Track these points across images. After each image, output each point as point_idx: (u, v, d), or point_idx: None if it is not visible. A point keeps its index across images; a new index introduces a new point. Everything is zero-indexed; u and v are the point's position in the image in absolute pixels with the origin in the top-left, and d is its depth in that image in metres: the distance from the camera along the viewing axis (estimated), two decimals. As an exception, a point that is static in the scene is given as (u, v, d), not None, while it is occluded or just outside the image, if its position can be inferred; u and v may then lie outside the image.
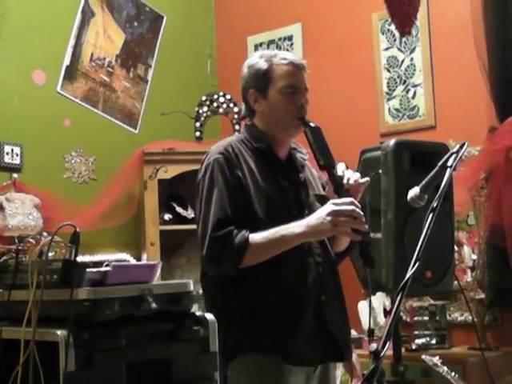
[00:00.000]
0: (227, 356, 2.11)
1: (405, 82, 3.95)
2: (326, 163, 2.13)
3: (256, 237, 2.09)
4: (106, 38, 4.24)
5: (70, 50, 4.07)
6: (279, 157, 2.29)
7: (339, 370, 3.27)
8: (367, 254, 2.05)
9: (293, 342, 2.13)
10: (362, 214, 2.04)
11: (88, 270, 1.70)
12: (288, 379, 2.14)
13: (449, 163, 1.90)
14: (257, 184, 2.18)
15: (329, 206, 2.06)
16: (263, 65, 2.25)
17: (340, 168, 2.18)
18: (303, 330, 2.15)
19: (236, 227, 2.10)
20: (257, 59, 2.28)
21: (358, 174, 2.19)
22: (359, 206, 2.07)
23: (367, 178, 2.21)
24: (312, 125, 2.19)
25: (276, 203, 2.19)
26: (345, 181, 2.14)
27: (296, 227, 2.09)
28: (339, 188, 2.11)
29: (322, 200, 2.23)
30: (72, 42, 4.08)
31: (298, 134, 2.28)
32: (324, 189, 2.38)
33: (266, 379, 2.14)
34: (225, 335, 2.06)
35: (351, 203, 2.04)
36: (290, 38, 4.43)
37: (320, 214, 2.06)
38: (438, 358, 2.76)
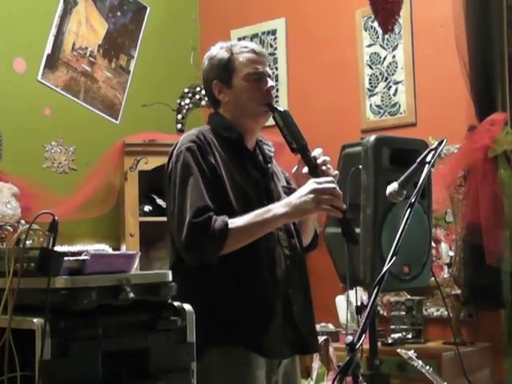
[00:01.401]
0: (196, 349, 2.10)
1: (386, 78, 3.97)
2: (300, 145, 2.13)
3: (237, 221, 2.07)
4: (88, 28, 4.22)
5: (51, 39, 4.04)
6: (248, 147, 2.27)
7: (316, 363, 3.30)
8: (350, 231, 2.07)
9: (264, 335, 2.13)
10: (341, 192, 2.06)
11: (66, 258, 1.70)
12: (256, 372, 2.14)
13: (427, 159, 1.92)
14: (230, 174, 2.16)
15: (311, 185, 2.06)
16: (224, 55, 2.25)
17: (316, 151, 2.16)
18: (273, 323, 2.15)
19: (215, 213, 2.08)
20: (217, 50, 2.28)
21: (331, 166, 2.17)
22: (338, 187, 2.08)
23: (336, 172, 2.19)
24: (280, 109, 2.18)
25: (248, 194, 2.18)
26: (320, 161, 2.13)
27: (278, 208, 2.08)
28: (315, 168, 2.11)
29: (290, 193, 2.22)
30: (54, 30, 4.05)
31: (266, 121, 2.26)
32: (288, 183, 2.37)
33: (235, 372, 2.14)
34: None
35: (332, 181, 2.06)
36: (273, 33, 4.43)
37: (302, 193, 2.06)
38: (413, 351, 2.79)
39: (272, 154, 2.35)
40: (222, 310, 2.14)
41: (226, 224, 2.06)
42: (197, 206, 2.07)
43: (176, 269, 2.15)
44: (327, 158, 2.17)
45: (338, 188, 2.06)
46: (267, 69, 2.25)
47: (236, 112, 2.24)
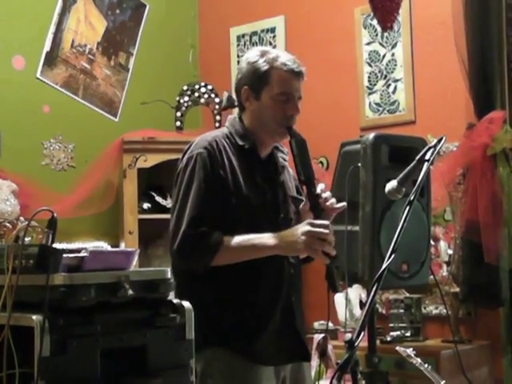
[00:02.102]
0: (197, 346, 2.11)
1: (386, 76, 3.97)
2: (307, 179, 2.14)
3: (229, 241, 2.10)
4: (87, 25, 4.21)
5: (50, 36, 4.04)
6: (261, 156, 2.28)
7: (315, 361, 3.30)
8: (332, 278, 2.07)
9: (257, 340, 2.15)
10: (333, 239, 2.07)
11: (64, 255, 1.70)
12: (259, 371, 2.15)
13: (426, 157, 1.92)
14: (237, 183, 2.18)
15: (305, 227, 2.07)
16: (263, 66, 2.21)
17: (319, 187, 2.17)
18: (269, 330, 2.17)
19: (210, 227, 2.10)
20: (257, 57, 2.24)
21: (333, 200, 2.19)
22: (332, 230, 2.08)
23: (343, 204, 2.20)
24: (298, 137, 2.18)
25: (253, 204, 2.19)
26: (321, 200, 2.14)
27: (270, 239, 2.10)
28: (316, 206, 2.12)
29: (297, 202, 2.25)
30: (53, 28, 4.05)
31: (282, 140, 2.29)
32: (298, 190, 2.38)
33: (237, 371, 2.15)
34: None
35: (327, 227, 2.06)
36: (272, 30, 4.43)
37: (295, 233, 2.08)
38: (411, 349, 2.79)
39: (285, 163, 2.36)
40: (219, 313, 2.16)
41: (219, 243, 2.09)
42: (193, 215, 2.10)
43: (176, 268, 2.18)
44: (328, 195, 2.17)
45: (331, 234, 2.06)
46: (299, 92, 2.24)
47: (256, 124, 2.25)
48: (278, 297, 2.19)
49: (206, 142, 2.20)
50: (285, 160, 2.36)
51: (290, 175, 2.40)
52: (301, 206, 2.24)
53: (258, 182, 2.23)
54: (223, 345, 2.15)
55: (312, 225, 2.06)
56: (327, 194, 2.17)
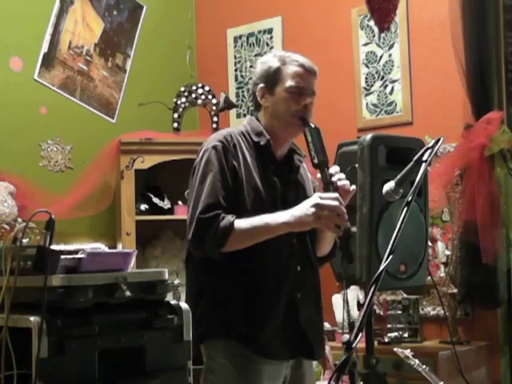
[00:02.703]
0: (200, 337, 2.15)
1: (383, 77, 3.97)
2: (320, 161, 2.16)
3: (241, 222, 2.13)
4: (84, 27, 4.21)
5: (47, 38, 4.04)
6: (276, 155, 2.33)
7: (313, 362, 3.29)
8: (346, 249, 2.08)
9: (260, 335, 2.17)
10: (345, 210, 2.08)
11: (62, 256, 1.70)
12: (262, 367, 2.17)
13: (424, 158, 1.92)
14: (249, 176, 2.23)
15: (314, 199, 2.09)
16: (275, 63, 2.31)
17: (333, 168, 2.20)
18: (273, 325, 2.19)
19: (223, 212, 2.14)
20: (270, 57, 2.35)
21: (347, 181, 2.20)
22: (343, 203, 2.10)
23: (354, 187, 2.22)
24: (312, 125, 2.23)
25: (263, 197, 2.23)
26: (334, 178, 2.16)
27: (280, 216, 2.13)
28: (328, 184, 2.14)
29: None
30: (50, 29, 4.05)
31: (298, 134, 2.32)
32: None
33: (240, 367, 2.17)
34: (199, 318, 2.12)
35: (336, 199, 2.07)
36: (269, 31, 4.43)
37: (304, 205, 2.10)
38: (409, 350, 2.79)
39: (302, 165, 2.40)
40: (224, 304, 2.19)
41: (231, 223, 2.12)
42: (208, 202, 2.16)
43: (189, 259, 2.26)
44: (342, 176, 2.19)
45: (341, 206, 2.07)
46: (312, 86, 2.33)
47: (271, 119, 2.31)
48: (279, 292, 2.21)
49: (221, 135, 2.28)
50: (301, 162, 2.40)
51: (307, 178, 2.43)
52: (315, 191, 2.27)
53: (270, 177, 2.28)
54: (228, 337, 2.17)
55: (321, 197, 2.09)
56: (341, 175, 2.20)
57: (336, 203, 2.06)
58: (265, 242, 2.16)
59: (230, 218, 2.13)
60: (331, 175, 2.16)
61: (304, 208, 2.09)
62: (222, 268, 2.18)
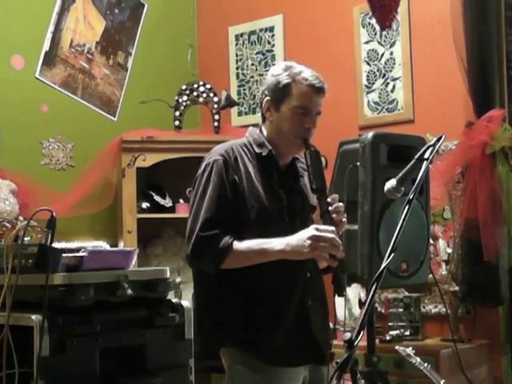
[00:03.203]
0: (213, 346, 2.16)
1: (384, 75, 3.97)
2: (318, 188, 2.18)
3: (239, 245, 2.16)
4: (86, 25, 4.21)
5: (49, 36, 4.03)
6: (279, 165, 2.34)
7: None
8: (339, 283, 2.10)
9: (269, 342, 2.18)
10: (340, 242, 2.10)
11: (64, 254, 1.70)
12: (276, 372, 2.18)
13: (425, 156, 1.92)
14: (252, 189, 2.24)
15: (311, 231, 2.11)
16: (285, 79, 2.29)
17: (332, 197, 2.21)
18: (282, 332, 2.20)
19: (223, 230, 2.16)
20: (281, 70, 2.32)
21: (344, 215, 2.22)
22: (339, 235, 2.12)
23: (344, 219, 2.23)
24: (312, 149, 2.24)
25: (268, 208, 2.24)
26: (331, 208, 2.17)
27: (277, 243, 2.15)
28: (325, 214, 2.15)
29: (315, 210, 2.27)
30: (52, 27, 4.04)
31: (298, 152, 2.34)
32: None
33: (260, 369, 2.18)
34: (208, 327, 2.13)
35: (332, 232, 2.09)
36: (271, 29, 4.43)
37: (301, 237, 2.12)
38: (411, 348, 2.79)
39: (304, 173, 2.39)
40: (234, 312, 2.20)
41: (229, 246, 2.15)
42: (207, 218, 2.18)
43: (193, 270, 2.26)
44: (340, 205, 2.21)
45: (336, 237, 2.09)
46: (318, 107, 2.32)
47: (274, 134, 2.32)
48: (290, 300, 2.23)
49: (222, 149, 2.29)
50: (304, 170, 2.39)
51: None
52: (314, 215, 2.28)
53: (275, 188, 2.29)
54: (238, 346, 2.19)
55: (317, 229, 2.11)
56: (339, 205, 2.21)
57: (332, 235, 2.09)
58: None
59: (228, 239, 2.15)
60: (328, 204, 2.17)
61: (301, 239, 2.11)
62: (233, 277, 2.19)
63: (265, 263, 2.17)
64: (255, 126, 2.41)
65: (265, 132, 2.35)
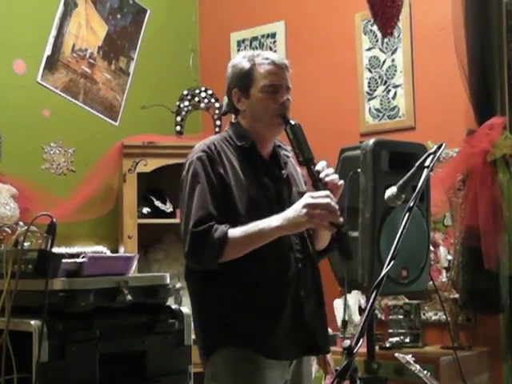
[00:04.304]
0: (206, 350, 2.14)
1: (386, 82, 3.97)
2: (305, 158, 2.17)
3: (235, 231, 2.12)
4: (88, 30, 4.22)
5: (51, 41, 4.04)
6: (262, 155, 2.31)
7: (313, 367, 3.29)
8: (344, 245, 2.08)
9: (270, 336, 2.17)
10: (337, 206, 2.08)
11: (63, 260, 1.70)
12: (264, 373, 2.17)
13: (426, 163, 1.92)
14: (238, 181, 2.21)
15: (305, 199, 2.09)
16: (246, 65, 2.28)
17: (320, 164, 2.20)
18: (281, 325, 2.19)
19: (216, 222, 2.13)
20: (240, 59, 2.31)
21: (336, 176, 2.20)
22: (334, 199, 2.10)
23: (342, 181, 2.22)
24: (292, 122, 2.22)
25: (257, 199, 2.22)
26: (322, 175, 2.16)
27: (274, 220, 2.12)
28: (316, 182, 2.14)
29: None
30: (54, 32, 4.05)
31: (280, 132, 2.31)
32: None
33: (243, 373, 2.16)
34: (204, 330, 2.10)
35: (327, 196, 2.07)
36: (273, 36, 4.43)
37: (296, 207, 2.10)
38: (411, 356, 2.79)
39: (289, 160, 2.39)
40: (230, 312, 2.18)
41: (225, 234, 2.11)
42: (199, 215, 2.15)
43: (189, 270, 2.22)
44: (329, 171, 2.19)
45: (333, 202, 2.07)
46: (286, 81, 2.29)
47: (251, 121, 2.30)
48: (286, 292, 2.21)
49: (204, 145, 2.27)
50: (288, 157, 2.38)
51: (296, 171, 2.42)
52: (304, 188, 2.25)
53: (261, 178, 2.27)
54: (234, 343, 2.16)
55: (311, 196, 2.09)
56: (329, 170, 2.19)
57: (327, 200, 2.06)
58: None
59: (223, 228, 2.12)
60: (318, 172, 2.16)
61: (296, 209, 2.09)
62: (224, 274, 2.17)
63: (255, 258, 2.14)
64: (232, 123, 2.37)
65: (243, 123, 2.31)
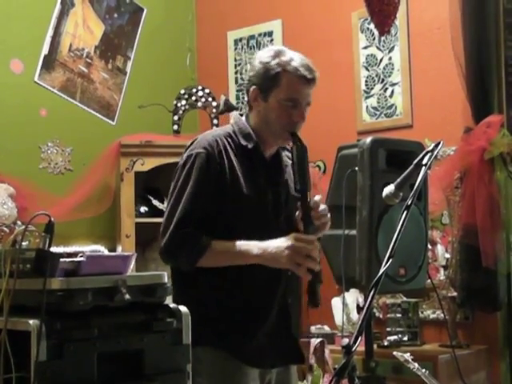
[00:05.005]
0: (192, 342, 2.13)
1: (383, 80, 3.97)
2: (302, 189, 2.12)
3: (216, 244, 2.11)
4: (85, 29, 4.21)
5: (48, 40, 4.04)
6: (265, 156, 2.26)
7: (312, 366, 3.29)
8: (314, 293, 2.07)
9: (250, 342, 2.16)
10: (318, 254, 2.06)
11: (61, 259, 1.70)
12: (241, 378, 2.16)
13: (424, 162, 1.92)
14: (235, 183, 2.17)
15: (290, 240, 2.06)
16: (274, 68, 2.17)
17: (316, 198, 2.16)
18: (264, 331, 2.18)
19: (198, 228, 2.11)
20: (270, 58, 2.19)
21: (327, 217, 2.18)
22: (318, 245, 2.08)
23: (329, 223, 2.20)
24: (299, 144, 2.14)
25: (252, 203, 2.18)
26: (313, 213, 2.12)
27: (255, 248, 2.10)
28: (306, 217, 2.11)
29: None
30: (51, 31, 4.05)
31: (285, 144, 2.27)
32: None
33: (226, 370, 2.15)
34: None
35: (312, 242, 2.06)
36: (270, 34, 4.43)
37: (280, 245, 2.07)
38: (409, 354, 2.79)
39: (289, 163, 2.32)
40: (213, 313, 2.17)
41: (206, 246, 2.10)
42: (183, 216, 2.12)
43: (176, 268, 2.22)
44: (322, 209, 2.16)
45: (316, 251, 2.06)
46: (307, 98, 2.21)
47: (261, 125, 2.23)
48: (273, 299, 2.19)
49: (206, 141, 2.19)
50: (289, 158, 2.32)
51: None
52: (296, 214, 2.19)
53: (260, 182, 2.22)
54: (218, 345, 2.15)
55: (297, 239, 2.06)
56: (322, 207, 2.16)
57: (311, 247, 2.05)
58: (251, 240, 2.12)
59: (204, 239, 2.10)
60: (310, 208, 2.11)
61: (279, 247, 2.06)
62: (212, 274, 2.15)
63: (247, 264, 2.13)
64: (241, 114, 2.32)
65: (251, 121, 2.25)
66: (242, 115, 2.33)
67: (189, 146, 2.23)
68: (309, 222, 2.10)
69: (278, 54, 2.21)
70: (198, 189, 2.13)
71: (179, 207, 2.12)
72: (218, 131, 2.29)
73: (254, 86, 2.21)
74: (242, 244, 2.10)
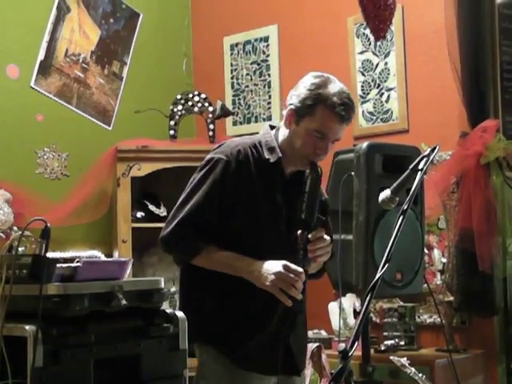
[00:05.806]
0: (193, 340, 2.15)
1: (379, 85, 3.98)
2: (306, 222, 2.13)
3: (211, 251, 2.17)
4: (81, 34, 4.21)
5: (44, 45, 4.04)
6: (285, 172, 2.29)
7: (309, 370, 3.29)
8: (292, 319, 2.14)
9: (247, 346, 2.17)
10: (302, 286, 2.09)
11: (58, 265, 1.70)
12: (245, 376, 2.17)
13: (420, 166, 1.92)
14: (251, 196, 2.20)
15: (279, 267, 2.09)
16: (314, 98, 2.20)
17: (318, 233, 2.15)
18: (262, 337, 2.19)
19: (200, 230, 2.17)
20: (314, 86, 2.22)
21: (324, 256, 2.19)
22: (305, 279, 2.10)
23: (323, 260, 2.22)
24: (314, 175, 2.16)
25: (264, 217, 2.21)
26: (311, 247, 2.12)
27: (247, 265, 2.15)
28: (299, 250, 2.11)
29: (317, 221, 2.23)
30: (47, 37, 4.05)
31: (304, 169, 2.26)
32: (322, 209, 2.29)
33: (225, 374, 2.16)
34: (192, 322, 2.11)
35: (300, 274, 2.08)
36: (266, 39, 4.44)
37: (268, 268, 2.11)
38: (405, 359, 2.79)
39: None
40: (216, 315, 2.18)
41: (199, 249, 2.16)
42: (190, 213, 2.17)
43: (184, 267, 2.26)
44: (320, 245, 2.16)
45: (301, 282, 2.08)
46: (337, 135, 2.24)
47: (286, 144, 2.27)
48: (275, 306, 2.20)
49: (230, 148, 2.24)
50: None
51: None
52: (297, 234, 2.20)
53: (276, 198, 2.25)
54: (217, 346, 2.16)
55: (286, 268, 2.09)
56: (320, 244, 2.15)
57: (297, 279, 2.07)
58: (261, 255, 2.15)
59: (201, 243, 2.16)
60: (308, 240, 2.12)
61: (267, 271, 2.10)
62: (214, 279, 2.18)
63: None
64: (273, 127, 2.35)
65: (280, 136, 2.29)
66: (273, 127, 2.35)
67: (215, 148, 2.29)
68: (303, 255, 2.11)
69: (321, 85, 2.22)
70: (209, 195, 2.19)
71: (187, 205, 2.19)
72: (246, 139, 2.32)
73: (291, 106, 2.25)
74: (238, 258, 2.16)
